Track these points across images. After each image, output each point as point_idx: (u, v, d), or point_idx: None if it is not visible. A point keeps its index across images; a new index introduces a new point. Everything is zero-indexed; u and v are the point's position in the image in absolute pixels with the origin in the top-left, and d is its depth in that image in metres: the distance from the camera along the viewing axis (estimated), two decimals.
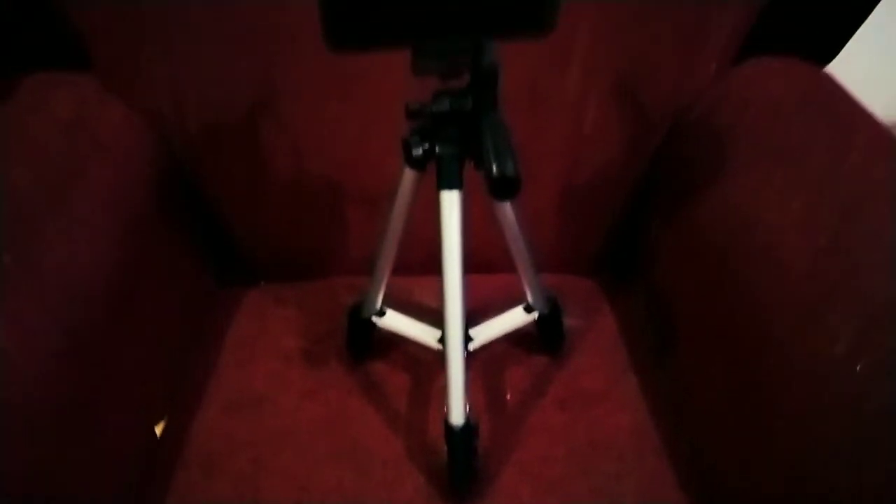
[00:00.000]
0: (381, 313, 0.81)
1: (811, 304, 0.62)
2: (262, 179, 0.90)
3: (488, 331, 0.78)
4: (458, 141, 0.60)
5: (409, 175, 0.65)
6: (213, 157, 0.89)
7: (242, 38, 0.82)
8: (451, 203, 0.61)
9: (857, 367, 0.56)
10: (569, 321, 0.86)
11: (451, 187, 0.60)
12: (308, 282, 0.98)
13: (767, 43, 0.86)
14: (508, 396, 0.82)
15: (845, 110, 0.77)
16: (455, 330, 0.64)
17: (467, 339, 0.76)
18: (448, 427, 0.67)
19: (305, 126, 0.87)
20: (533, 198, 0.89)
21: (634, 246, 0.95)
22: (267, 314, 0.93)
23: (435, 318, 0.82)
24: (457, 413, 0.66)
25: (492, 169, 0.50)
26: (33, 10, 0.81)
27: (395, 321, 0.80)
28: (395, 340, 0.83)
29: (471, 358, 0.75)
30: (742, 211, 0.73)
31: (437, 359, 0.81)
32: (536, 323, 0.82)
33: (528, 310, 0.80)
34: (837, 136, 0.73)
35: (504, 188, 0.50)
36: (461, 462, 0.69)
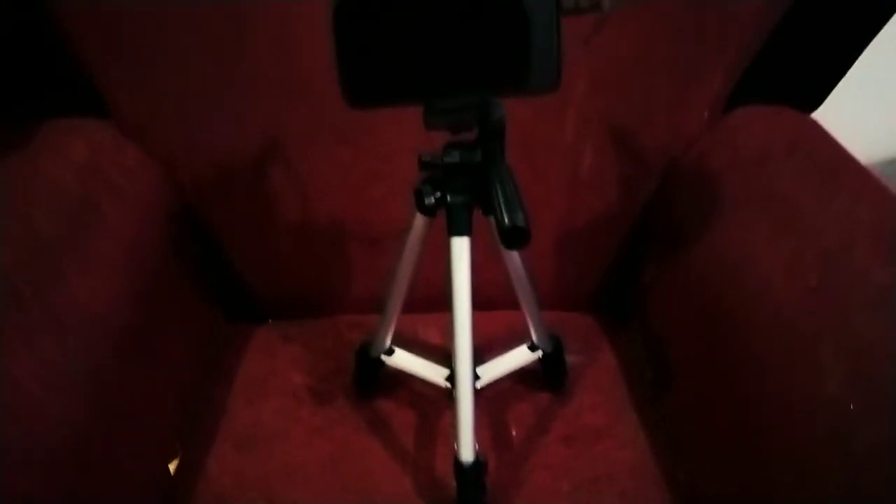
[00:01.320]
0: (390, 352, 0.83)
1: (802, 343, 0.65)
2: (271, 221, 0.93)
3: (494, 369, 0.81)
4: (467, 190, 0.63)
5: (419, 221, 0.68)
6: (223, 199, 0.92)
7: (254, 87, 0.85)
8: (461, 249, 0.64)
9: (850, 406, 0.59)
10: (570, 358, 0.89)
11: (461, 234, 0.64)
12: (315, 319, 1.00)
13: (756, 91, 0.91)
14: (514, 432, 0.85)
15: (830, 156, 0.81)
16: (465, 371, 0.67)
17: (474, 377, 0.79)
18: (458, 464, 0.69)
19: (313, 170, 0.90)
20: (533, 238, 0.92)
21: (632, 284, 0.98)
22: (275, 352, 0.95)
23: (440, 355, 0.85)
24: (466, 450, 0.69)
25: (503, 220, 0.53)
26: (52, 60, 0.84)
27: (403, 360, 0.83)
28: (402, 377, 0.85)
29: (477, 395, 0.78)
30: (734, 254, 0.76)
31: (444, 395, 0.84)
32: (540, 361, 0.84)
33: (533, 348, 0.83)
34: (823, 182, 0.77)
35: (515, 239, 0.53)
36: (471, 498, 0.71)
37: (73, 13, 0.80)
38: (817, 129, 0.87)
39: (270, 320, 1.02)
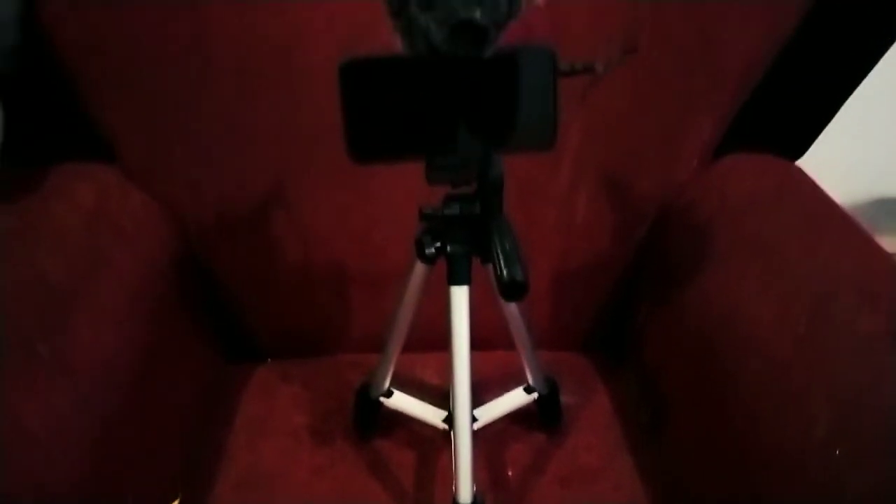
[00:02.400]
0: (389, 394, 0.85)
1: (792, 390, 0.67)
2: (271, 263, 0.95)
3: (492, 411, 0.82)
4: (466, 240, 0.65)
5: (419, 269, 0.70)
6: (226, 243, 0.94)
7: (257, 134, 0.88)
8: (460, 297, 0.66)
9: (836, 451, 0.61)
10: (565, 398, 0.91)
11: (461, 283, 0.66)
12: (314, 359, 1.02)
13: (743, 139, 0.94)
14: (510, 473, 0.86)
15: (816, 204, 0.85)
16: (464, 417, 0.69)
17: (472, 419, 0.80)
18: None
19: (314, 215, 0.93)
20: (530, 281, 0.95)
21: (626, 326, 1.01)
22: (275, 392, 0.97)
23: (437, 395, 0.87)
24: (465, 492, 0.70)
25: (502, 275, 0.55)
26: (59, 104, 0.87)
27: (402, 402, 0.85)
28: (401, 417, 0.87)
29: (474, 436, 0.79)
30: (723, 301, 0.79)
31: (441, 435, 0.86)
32: (536, 402, 0.86)
33: (529, 390, 0.85)
34: (809, 230, 0.80)
35: (513, 292, 0.55)
36: None
37: (84, 60, 0.82)
38: (802, 176, 0.90)
39: (270, 359, 1.03)
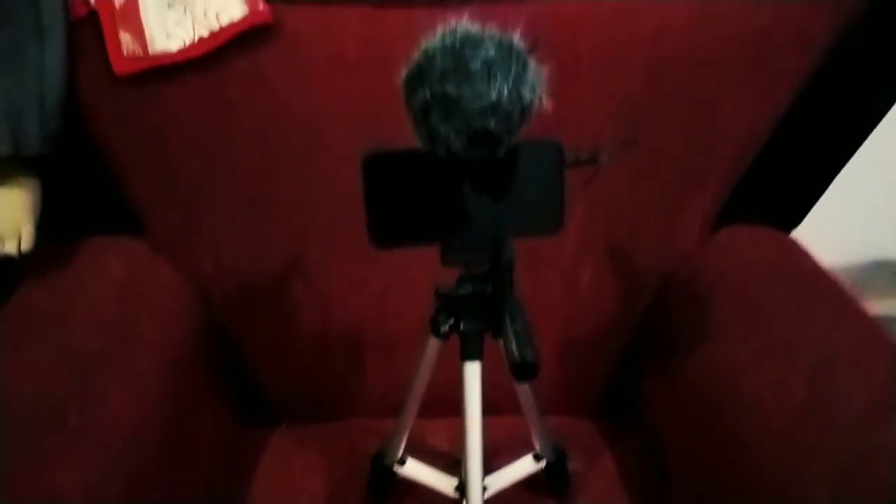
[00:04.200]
0: (402, 461, 0.88)
1: (792, 461, 0.69)
2: (289, 329, 0.99)
3: (501, 480, 0.85)
4: (479, 317, 0.69)
5: (433, 344, 0.74)
6: (246, 310, 0.98)
7: (279, 208, 0.93)
8: (473, 373, 0.69)
9: None
10: (572, 465, 0.93)
11: (473, 359, 0.69)
12: (329, 423, 1.05)
13: (740, 211, 0.98)
14: None
15: (811, 276, 0.89)
16: (475, 486, 0.72)
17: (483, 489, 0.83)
18: None
19: (331, 284, 0.97)
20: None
21: (631, 392, 1.03)
22: (291, 457, 0.99)
23: (448, 462, 0.90)
24: None
25: (514, 355, 0.58)
26: (94, 185, 0.92)
27: (415, 470, 0.87)
28: (414, 485, 0.89)
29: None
30: (725, 370, 0.82)
31: (453, 501, 0.88)
32: (544, 469, 0.89)
33: (537, 458, 0.88)
34: (806, 302, 0.84)
35: (525, 373, 0.58)
36: None
37: (118, 141, 0.88)
38: (798, 249, 0.94)
39: (285, 423, 1.06)
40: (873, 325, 0.79)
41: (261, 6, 0.87)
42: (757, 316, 0.84)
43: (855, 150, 0.99)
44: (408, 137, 0.54)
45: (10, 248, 0.82)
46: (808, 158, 1.00)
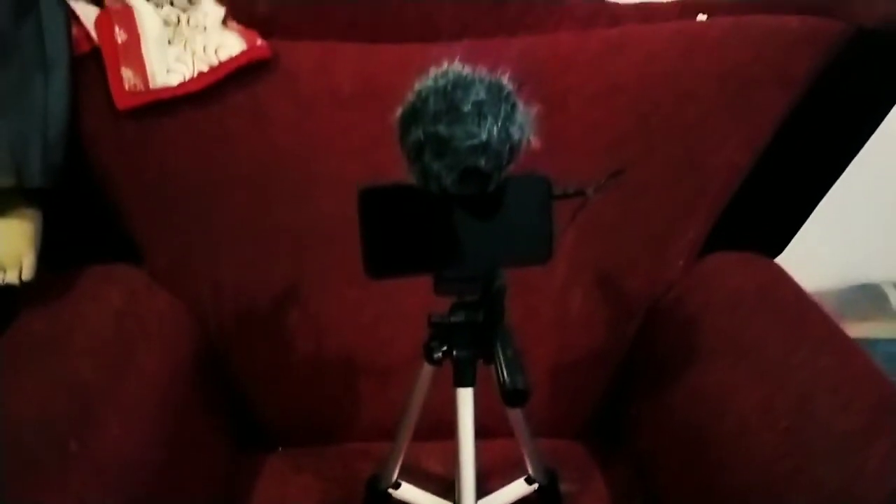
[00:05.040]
0: (397, 485, 0.89)
1: (776, 486, 0.71)
2: (285, 356, 1.01)
3: (494, 503, 0.86)
4: (471, 344, 0.71)
5: (427, 370, 0.75)
6: (243, 337, 1.00)
7: (274, 237, 0.95)
8: (465, 398, 0.71)
9: None
10: (564, 487, 0.95)
11: (466, 385, 0.71)
12: (323, 447, 1.06)
13: (726, 238, 1.01)
14: None
15: (795, 302, 0.91)
16: None
17: None
18: None
19: (326, 311, 0.99)
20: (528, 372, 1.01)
21: (621, 415, 1.05)
22: (287, 480, 1.01)
23: (442, 484, 0.91)
24: None
25: (505, 382, 0.60)
26: (94, 216, 0.94)
27: (409, 494, 0.89)
28: None
29: None
30: (711, 396, 0.84)
31: None
32: (536, 492, 0.90)
33: (529, 481, 0.89)
34: (789, 330, 0.86)
35: (516, 399, 0.60)
36: None
37: (118, 174, 0.91)
38: (782, 275, 0.97)
39: (280, 447, 1.07)
40: (855, 351, 0.81)
41: (259, 42, 0.90)
42: (742, 342, 0.87)
43: (836, 178, 1.03)
44: (401, 168, 0.56)
45: (12, 277, 0.84)
46: (790, 186, 1.03)
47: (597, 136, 0.94)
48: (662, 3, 1.05)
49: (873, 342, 1.27)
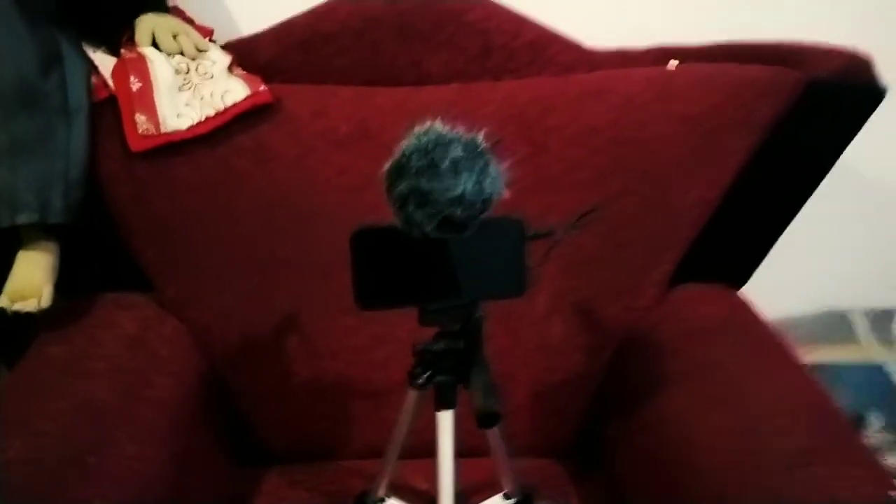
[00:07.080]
0: (383, 501, 0.96)
1: (728, 494, 0.78)
2: (284, 379, 1.07)
3: None
4: (452, 370, 0.78)
5: (412, 394, 0.82)
6: (246, 360, 1.07)
7: (277, 269, 1.03)
8: (446, 420, 0.78)
9: None
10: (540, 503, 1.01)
11: (447, 408, 0.78)
12: (319, 463, 1.12)
13: (694, 271, 1.08)
14: None
15: (757, 332, 0.98)
16: None
17: None
18: None
19: (323, 338, 1.06)
20: (510, 393, 1.08)
21: (598, 436, 1.11)
22: (283, 496, 1.06)
23: (425, 499, 0.97)
24: None
25: (480, 405, 0.67)
26: (106, 247, 1.02)
27: None
28: None
29: None
30: (675, 420, 0.91)
31: None
32: None
33: (507, 497, 0.96)
34: (751, 357, 0.93)
35: (488, 421, 0.67)
36: None
37: (132, 210, 0.98)
38: (745, 306, 1.04)
39: (277, 464, 1.13)
40: (804, 376, 0.88)
41: (261, 88, 0.98)
42: (704, 369, 0.94)
43: (795, 213, 1.10)
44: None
45: (31, 306, 0.90)
46: (752, 222, 1.10)
47: (577, 174, 1.01)
48: (638, 51, 1.13)
49: (839, 368, 1.33)
